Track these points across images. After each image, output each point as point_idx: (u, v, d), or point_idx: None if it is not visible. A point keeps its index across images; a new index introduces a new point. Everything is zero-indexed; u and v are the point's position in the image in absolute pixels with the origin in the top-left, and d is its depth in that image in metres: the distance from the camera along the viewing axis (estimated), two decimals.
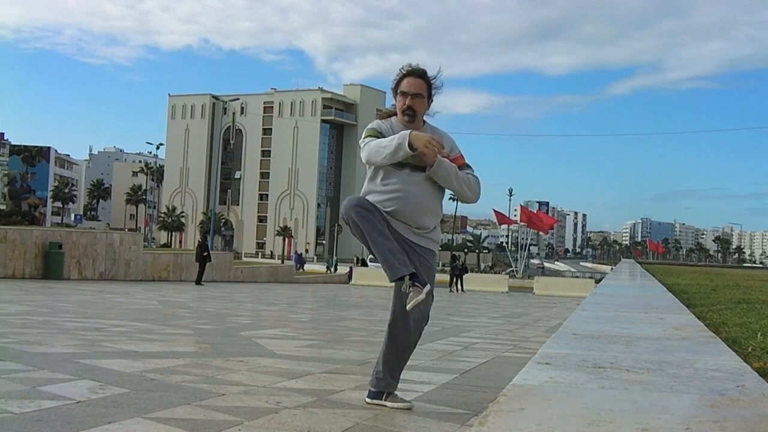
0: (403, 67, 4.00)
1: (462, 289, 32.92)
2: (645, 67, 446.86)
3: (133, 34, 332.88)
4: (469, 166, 4.02)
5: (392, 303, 3.96)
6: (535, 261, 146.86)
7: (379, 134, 3.94)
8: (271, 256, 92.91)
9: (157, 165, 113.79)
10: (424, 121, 4.02)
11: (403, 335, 3.97)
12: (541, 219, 66.07)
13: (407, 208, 3.88)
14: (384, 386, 4.03)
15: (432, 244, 4.03)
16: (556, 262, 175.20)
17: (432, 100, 4.03)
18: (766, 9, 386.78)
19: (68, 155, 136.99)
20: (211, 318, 10.33)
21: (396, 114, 4.01)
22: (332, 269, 54.63)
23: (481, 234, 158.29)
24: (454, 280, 33.61)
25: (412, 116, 3.91)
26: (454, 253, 37.55)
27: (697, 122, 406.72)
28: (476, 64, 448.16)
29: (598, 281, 29.02)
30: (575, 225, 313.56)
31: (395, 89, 3.98)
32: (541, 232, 74.47)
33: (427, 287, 3.71)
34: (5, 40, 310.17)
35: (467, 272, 35.99)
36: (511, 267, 35.39)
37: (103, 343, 6.41)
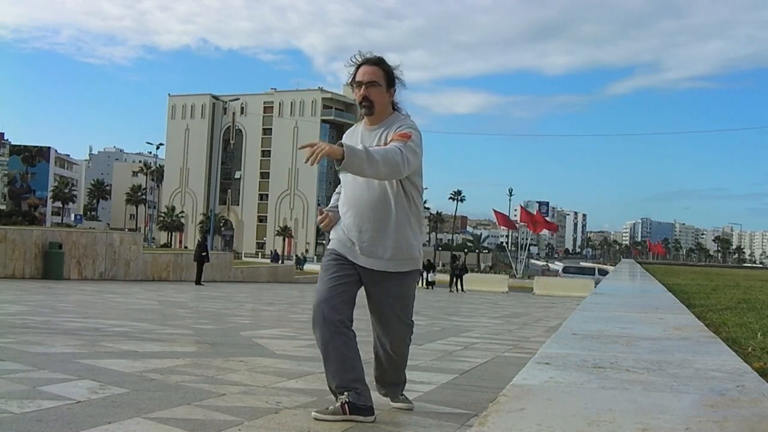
0: (354, 56, 3.69)
1: (462, 289, 32.96)
2: (644, 67, 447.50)
3: (131, 33, 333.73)
4: (401, 141, 3.46)
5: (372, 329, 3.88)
6: (540, 262, 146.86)
7: None
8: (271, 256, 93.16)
9: (157, 165, 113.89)
10: (396, 111, 3.71)
11: (388, 360, 3.86)
12: (538, 220, 66.47)
13: (352, 220, 3.67)
14: (383, 394, 4.00)
15: (397, 265, 3.68)
16: (556, 262, 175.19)
17: (395, 90, 3.69)
18: (765, 8, 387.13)
19: (68, 155, 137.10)
20: (211, 318, 10.33)
21: None
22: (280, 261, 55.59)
23: (481, 234, 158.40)
24: (454, 280, 33.67)
25: (369, 107, 3.61)
26: (454, 253, 37.50)
27: (697, 122, 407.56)
28: (475, 63, 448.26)
29: (597, 281, 29.02)
30: (575, 225, 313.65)
31: (351, 82, 3.68)
32: (540, 231, 74.70)
33: (366, 418, 3.50)
34: (4, 40, 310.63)
35: (467, 272, 36.03)
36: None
37: (103, 343, 6.40)
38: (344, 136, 3.82)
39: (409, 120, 3.66)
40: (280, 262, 63.64)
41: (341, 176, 3.72)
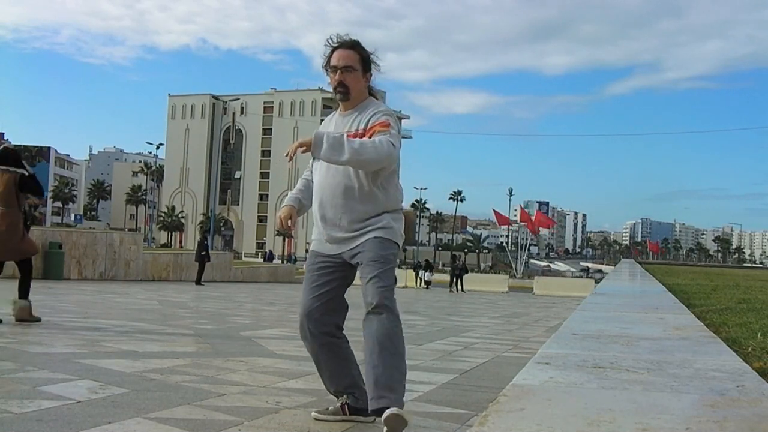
0: (330, 39, 3.50)
1: (462, 289, 32.97)
2: (644, 67, 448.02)
3: (131, 33, 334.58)
4: (384, 132, 3.29)
5: None
6: (542, 262, 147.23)
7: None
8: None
9: (157, 165, 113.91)
10: (372, 97, 3.55)
11: (368, 339, 3.33)
12: (537, 220, 66.60)
13: (324, 211, 3.45)
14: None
15: (372, 233, 3.37)
16: (557, 262, 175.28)
17: (371, 75, 3.53)
18: (765, 8, 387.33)
19: (68, 155, 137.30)
20: (211, 318, 10.32)
21: None
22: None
23: (481, 234, 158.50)
24: (455, 280, 33.70)
25: (345, 93, 3.45)
26: (454, 253, 37.57)
27: (697, 122, 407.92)
28: (475, 63, 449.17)
29: (597, 281, 29.05)
30: (575, 225, 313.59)
31: (326, 66, 3.51)
32: (537, 230, 74.79)
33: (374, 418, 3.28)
34: (4, 40, 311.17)
35: (467, 272, 36.07)
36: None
37: (103, 343, 6.40)
38: (321, 125, 3.72)
39: (383, 106, 3.52)
40: (280, 261, 63.89)
41: (314, 165, 3.60)
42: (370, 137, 3.31)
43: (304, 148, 3.26)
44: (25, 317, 7.60)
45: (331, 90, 3.50)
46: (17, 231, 7.66)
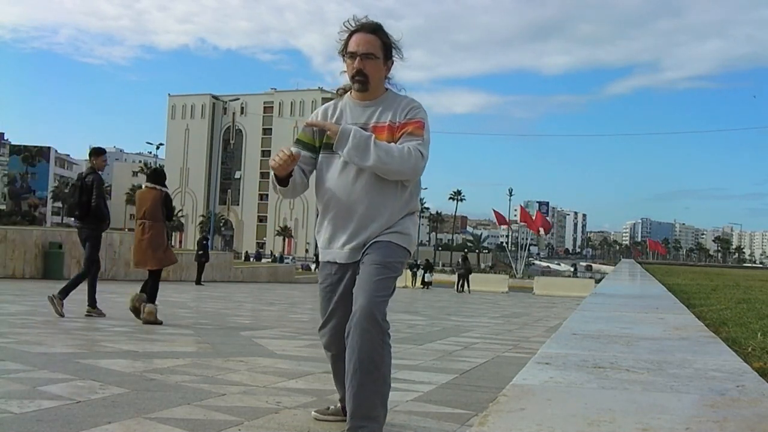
0: (348, 21, 3.14)
1: (462, 290, 33.07)
2: (643, 67, 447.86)
3: (129, 33, 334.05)
4: (418, 137, 3.05)
5: None
6: (543, 263, 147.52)
7: (309, 138, 3.24)
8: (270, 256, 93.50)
9: (157, 165, 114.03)
10: (387, 89, 3.21)
11: (349, 356, 3.07)
12: (537, 220, 66.64)
13: (353, 212, 3.11)
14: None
15: (386, 235, 3.10)
16: (561, 264, 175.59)
17: (392, 63, 3.18)
18: (764, 8, 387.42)
19: (68, 155, 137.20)
20: (211, 318, 10.33)
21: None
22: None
23: (481, 234, 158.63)
24: (461, 280, 33.91)
25: (364, 83, 3.10)
26: (466, 254, 37.72)
27: (696, 122, 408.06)
28: (474, 63, 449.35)
29: (598, 281, 29.06)
30: (575, 225, 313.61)
31: (343, 52, 3.15)
32: (539, 231, 74.83)
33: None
34: (2, 40, 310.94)
35: (471, 272, 36.20)
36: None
37: (103, 343, 6.40)
38: (320, 111, 3.29)
39: (415, 101, 3.18)
40: (270, 260, 64.10)
41: (321, 160, 3.22)
42: (401, 135, 3.07)
43: (329, 133, 3.09)
44: (152, 320, 8.30)
45: (349, 78, 3.17)
46: (162, 242, 8.74)
